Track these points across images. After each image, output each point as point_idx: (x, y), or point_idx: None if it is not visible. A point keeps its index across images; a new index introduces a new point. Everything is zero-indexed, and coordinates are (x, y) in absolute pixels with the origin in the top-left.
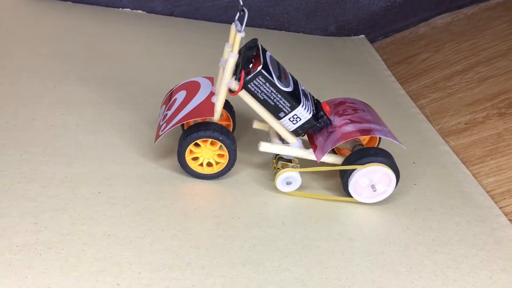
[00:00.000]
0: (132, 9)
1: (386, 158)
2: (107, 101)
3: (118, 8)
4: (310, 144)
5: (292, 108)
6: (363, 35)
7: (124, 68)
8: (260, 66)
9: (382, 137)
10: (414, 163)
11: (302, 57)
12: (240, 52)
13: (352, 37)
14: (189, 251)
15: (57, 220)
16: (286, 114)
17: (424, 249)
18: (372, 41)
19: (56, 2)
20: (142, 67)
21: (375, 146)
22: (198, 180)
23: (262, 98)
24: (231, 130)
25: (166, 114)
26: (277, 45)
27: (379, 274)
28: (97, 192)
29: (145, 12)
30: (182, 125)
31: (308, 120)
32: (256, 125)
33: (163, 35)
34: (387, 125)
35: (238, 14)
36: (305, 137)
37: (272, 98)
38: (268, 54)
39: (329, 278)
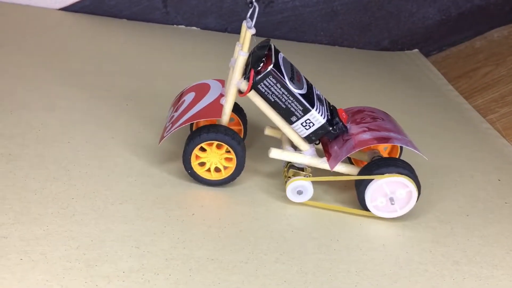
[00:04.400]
0: (186, 26)
1: (406, 169)
2: None
3: (173, 25)
4: (325, 152)
5: (305, 112)
6: (416, 49)
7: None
8: (271, 66)
9: (402, 145)
10: (499, 180)
11: (358, 73)
12: (251, 52)
13: (406, 51)
14: (296, 276)
15: (158, 244)
16: (298, 119)
17: None
18: (426, 55)
19: (112, 19)
20: None
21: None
22: (287, 201)
23: (272, 100)
24: (242, 136)
25: (173, 116)
26: (330, 60)
27: None
28: (191, 214)
29: (199, 28)
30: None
31: (322, 125)
32: (268, 131)
33: (220, 51)
34: (452, 142)
35: (250, 11)
36: (320, 145)
37: (284, 100)
38: (281, 54)
39: None
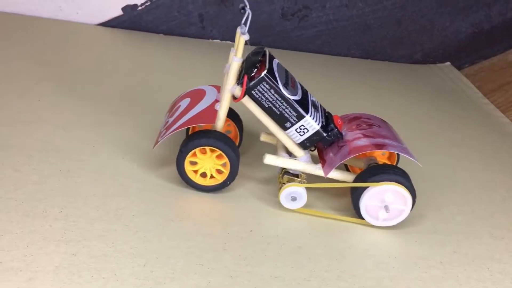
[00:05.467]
0: (221, 40)
1: (402, 176)
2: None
3: (208, 39)
4: (320, 159)
5: (299, 118)
6: (448, 62)
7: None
8: (265, 71)
9: (397, 152)
10: None
11: (392, 86)
12: (246, 58)
13: (438, 64)
14: None
15: (220, 261)
16: (292, 124)
17: None
18: (458, 68)
19: (149, 34)
20: None
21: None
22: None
23: (266, 106)
24: (237, 142)
25: (168, 121)
26: (363, 74)
27: None
28: (249, 231)
29: (233, 42)
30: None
31: (317, 131)
32: (263, 137)
33: None
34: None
35: (244, 17)
36: (315, 152)
37: (278, 106)
38: (276, 61)
39: None
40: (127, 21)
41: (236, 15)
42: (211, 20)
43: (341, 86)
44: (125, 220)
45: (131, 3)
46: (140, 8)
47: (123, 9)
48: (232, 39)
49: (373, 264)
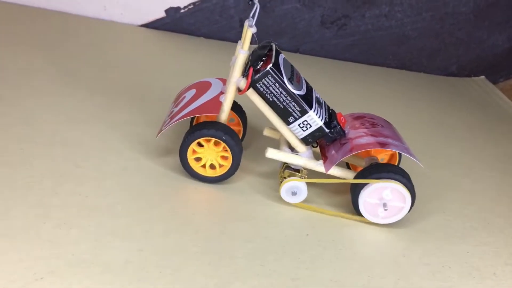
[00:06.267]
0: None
1: (402, 176)
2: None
3: None
4: (322, 156)
5: (303, 113)
6: (483, 76)
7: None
8: (270, 65)
9: (398, 151)
10: None
11: (428, 97)
12: (253, 51)
13: (473, 78)
14: None
15: (281, 264)
16: (296, 119)
17: None
18: (493, 82)
19: (190, 36)
20: None
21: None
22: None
23: (271, 99)
24: (241, 136)
25: (172, 111)
26: (399, 84)
27: None
28: (305, 235)
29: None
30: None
31: (320, 127)
32: (266, 132)
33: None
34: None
35: (253, 10)
36: (317, 149)
37: (282, 100)
38: (282, 55)
39: None
40: (169, 23)
41: (276, 22)
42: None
43: (376, 95)
44: (185, 220)
45: (175, 5)
46: (183, 10)
47: (166, 11)
48: None
49: (428, 273)
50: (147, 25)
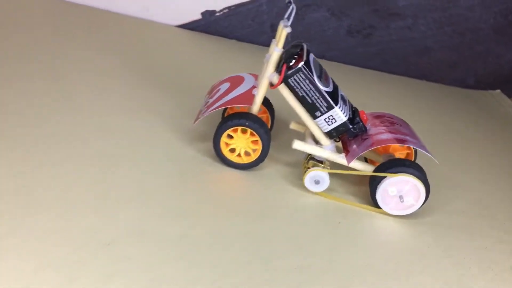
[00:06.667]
0: None
1: (418, 171)
2: None
3: None
4: (344, 150)
5: (329, 108)
6: (499, 90)
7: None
8: (302, 63)
9: (416, 148)
10: None
11: (445, 107)
12: (285, 50)
13: (489, 91)
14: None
15: (318, 247)
16: (322, 114)
17: None
18: (508, 96)
19: (223, 39)
20: None
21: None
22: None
23: (300, 94)
24: (269, 127)
25: (208, 101)
26: (420, 93)
27: None
28: (337, 222)
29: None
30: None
31: (344, 123)
32: (293, 126)
33: None
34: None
35: (288, 10)
36: (340, 144)
37: (311, 95)
38: (312, 55)
39: None
40: (204, 25)
41: (306, 28)
42: None
43: (396, 102)
44: (234, 206)
45: (210, 9)
46: (218, 14)
47: (202, 13)
48: None
49: (450, 264)
50: (183, 26)
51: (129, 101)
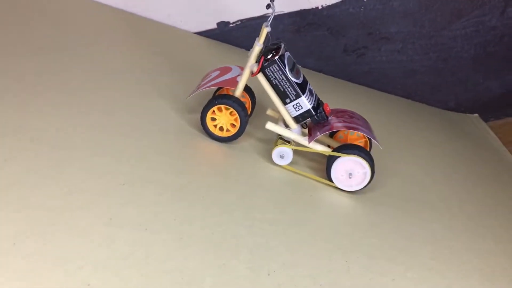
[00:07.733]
0: None
1: (367, 156)
2: None
3: None
4: (308, 134)
5: (297, 96)
6: (477, 114)
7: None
8: (277, 57)
9: (366, 135)
10: None
11: (427, 125)
12: (266, 46)
13: (468, 114)
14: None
15: (287, 211)
16: (291, 101)
17: None
18: (485, 120)
19: (234, 47)
20: None
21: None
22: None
23: (274, 83)
24: (249, 111)
25: (200, 83)
26: (404, 111)
27: None
28: (309, 196)
29: (300, 66)
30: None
31: (308, 110)
32: (269, 112)
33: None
34: None
35: (271, 17)
36: (306, 130)
37: (282, 84)
38: (287, 53)
39: None
40: (219, 34)
41: (306, 44)
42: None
43: (381, 117)
44: (214, 169)
45: (225, 20)
46: (231, 25)
47: (218, 24)
48: (299, 63)
49: (403, 235)
50: (200, 33)
51: (144, 85)
